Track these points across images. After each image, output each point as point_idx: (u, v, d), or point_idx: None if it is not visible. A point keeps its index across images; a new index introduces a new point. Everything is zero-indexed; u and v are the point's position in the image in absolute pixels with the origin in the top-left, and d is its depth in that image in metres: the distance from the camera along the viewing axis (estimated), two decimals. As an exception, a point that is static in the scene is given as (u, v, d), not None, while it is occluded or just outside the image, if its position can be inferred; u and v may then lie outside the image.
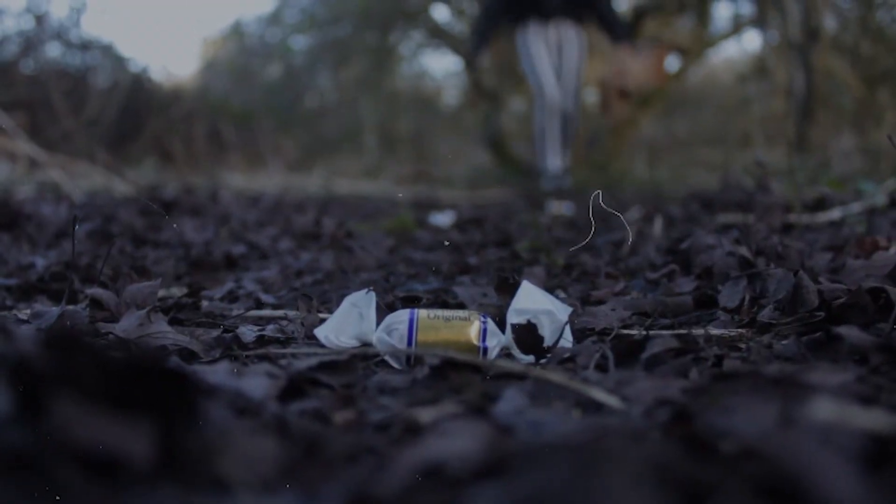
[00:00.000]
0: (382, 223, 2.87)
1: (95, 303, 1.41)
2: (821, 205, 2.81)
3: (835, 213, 2.67)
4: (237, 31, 11.47)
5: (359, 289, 1.63)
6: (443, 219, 2.98)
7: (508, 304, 1.19)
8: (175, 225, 2.60)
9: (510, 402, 0.80)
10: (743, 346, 1.13)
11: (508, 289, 1.33)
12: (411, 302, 1.51)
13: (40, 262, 1.90)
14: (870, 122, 7.33)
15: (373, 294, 1.18)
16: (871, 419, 0.58)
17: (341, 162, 9.21)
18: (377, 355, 1.13)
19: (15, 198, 3.52)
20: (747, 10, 9.43)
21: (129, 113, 8.15)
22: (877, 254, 1.62)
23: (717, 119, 10.07)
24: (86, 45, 8.48)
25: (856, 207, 2.69)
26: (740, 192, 3.32)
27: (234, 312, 1.48)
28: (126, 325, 1.24)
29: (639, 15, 8.37)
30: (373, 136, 10.86)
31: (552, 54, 6.94)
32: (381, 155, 10.34)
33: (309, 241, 2.46)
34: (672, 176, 6.14)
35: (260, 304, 1.59)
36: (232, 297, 1.67)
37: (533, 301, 1.16)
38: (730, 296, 1.43)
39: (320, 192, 5.84)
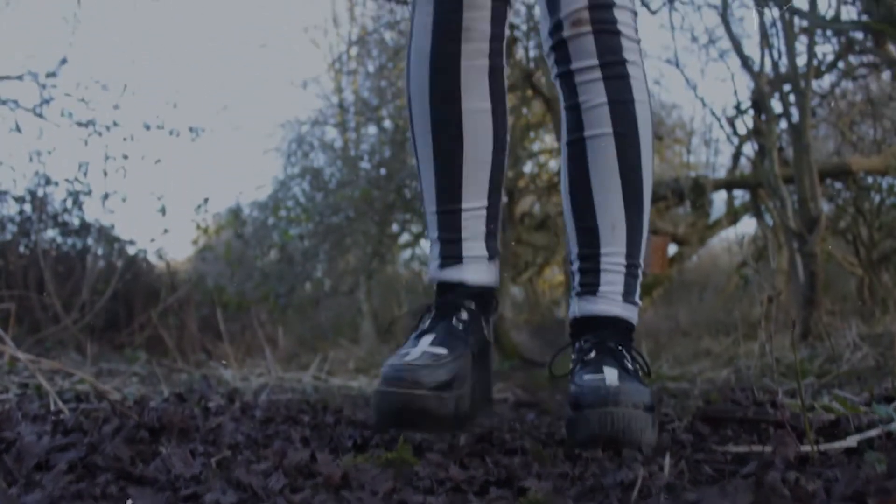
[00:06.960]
0: (379, 455, 2.75)
1: None
2: (835, 429, 2.71)
3: (851, 441, 2.56)
4: (234, 216, 11.58)
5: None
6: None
7: None
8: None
9: None
10: None
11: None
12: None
13: (13, 521, 1.78)
14: (875, 308, 7.29)
15: None
16: None
17: (338, 351, 9.12)
18: None
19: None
20: (743, 196, 9.54)
21: (121, 298, 8.12)
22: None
23: (719, 305, 10.02)
24: (85, 229, 8.53)
25: (873, 432, 2.59)
26: (750, 406, 3.22)
27: None
28: None
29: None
30: (369, 324, 10.79)
31: None
32: (377, 345, 10.25)
33: (302, 479, 2.34)
34: (677, 370, 6.05)
35: (246, 586, 1.46)
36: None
37: None
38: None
39: (316, 387, 5.75)
